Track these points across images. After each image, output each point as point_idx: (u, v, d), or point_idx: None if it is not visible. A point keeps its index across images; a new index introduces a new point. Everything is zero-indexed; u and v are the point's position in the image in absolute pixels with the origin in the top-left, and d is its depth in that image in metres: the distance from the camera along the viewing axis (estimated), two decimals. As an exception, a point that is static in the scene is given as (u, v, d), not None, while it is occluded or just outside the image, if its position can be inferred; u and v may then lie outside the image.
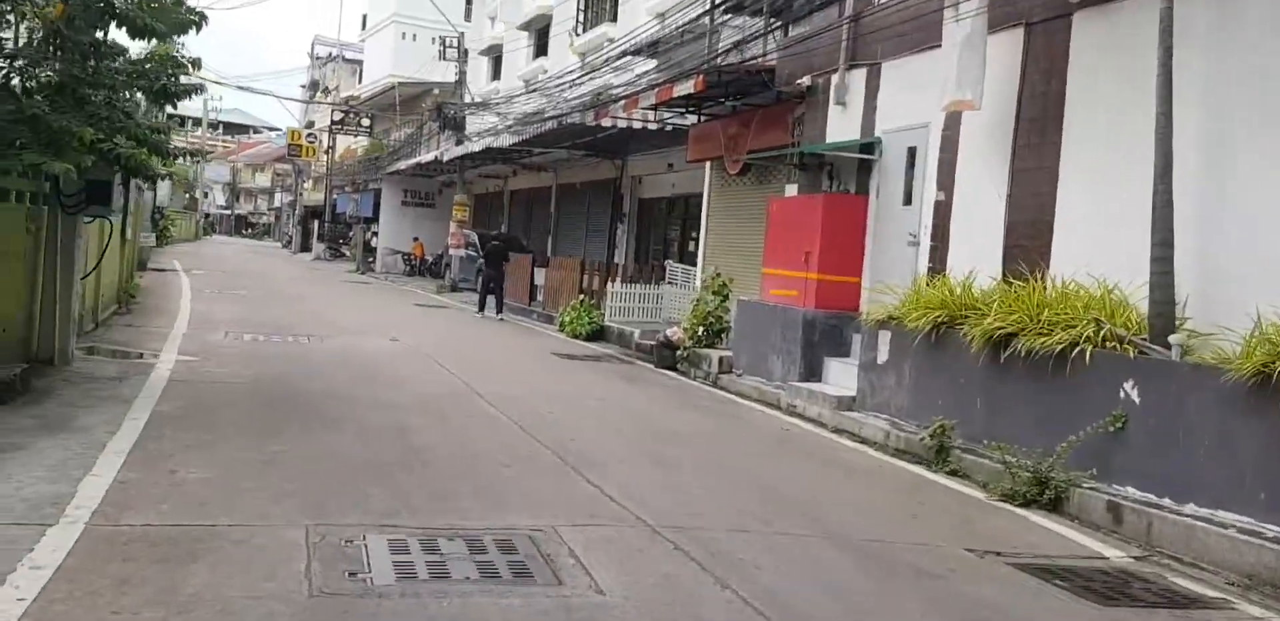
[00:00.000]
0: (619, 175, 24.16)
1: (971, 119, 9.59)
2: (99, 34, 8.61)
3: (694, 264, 19.23)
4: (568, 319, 17.16)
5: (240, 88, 62.28)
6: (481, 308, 21.07)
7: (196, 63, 9.46)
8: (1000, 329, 7.93)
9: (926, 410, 8.78)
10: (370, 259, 38.22)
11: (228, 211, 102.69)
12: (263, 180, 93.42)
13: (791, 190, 12.99)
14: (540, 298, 21.46)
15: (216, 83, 34.89)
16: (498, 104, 24.04)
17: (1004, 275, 8.95)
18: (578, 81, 20.25)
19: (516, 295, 22.26)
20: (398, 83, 38.09)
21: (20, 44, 8.55)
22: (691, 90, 13.04)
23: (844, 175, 11.56)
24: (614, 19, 25.14)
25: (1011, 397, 7.96)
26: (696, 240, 21.64)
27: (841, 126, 11.57)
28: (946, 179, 9.88)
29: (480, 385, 10.37)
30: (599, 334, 16.82)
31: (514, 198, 33.71)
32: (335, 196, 49.65)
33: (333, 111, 41.76)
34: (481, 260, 23.62)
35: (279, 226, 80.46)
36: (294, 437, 7.19)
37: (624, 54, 20.45)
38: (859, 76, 11.31)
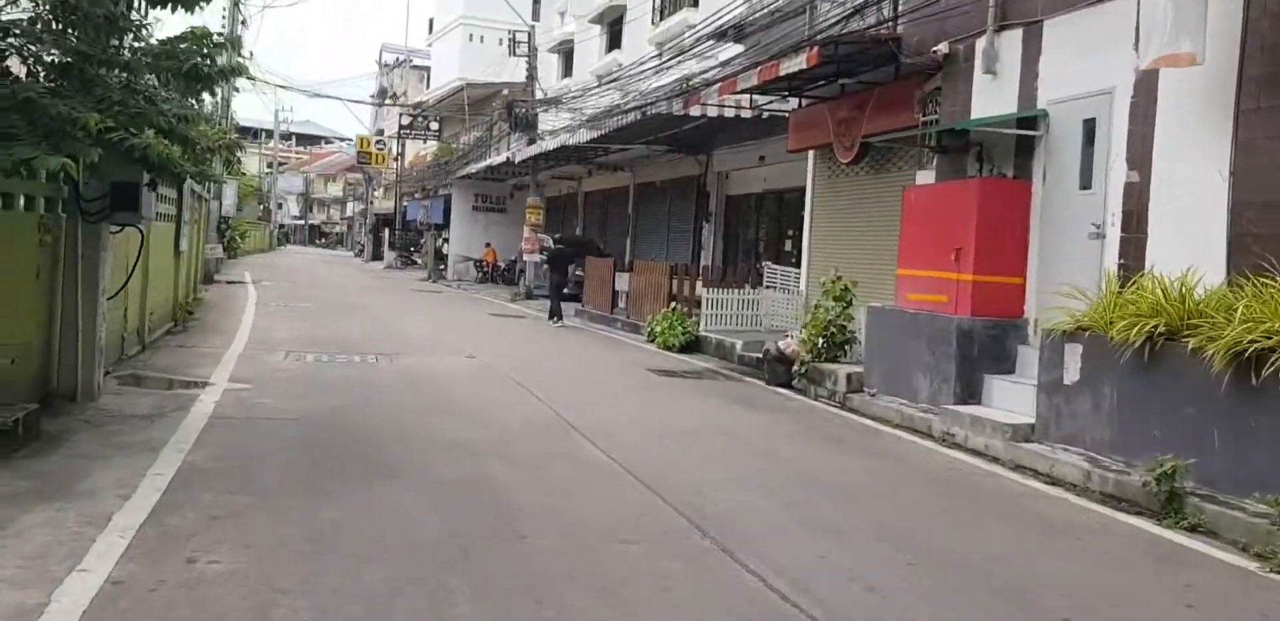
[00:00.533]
0: (703, 171, 22.47)
1: (1173, 81, 7.73)
2: (116, 6, 7.16)
3: (791, 264, 17.51)
4: (658, 329, 15.50)
5: (312, 95, 61.92)
6: (558, 316, 19.62)
7: (236, 42, 7.99)
8: (1253, 342, 6.09)
9: (1139, 444, 6.96)
10: (441, 266, 37.06)
11: (301, 222, 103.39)
12: (334, 190, 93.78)
13: (924, 177, 11.19)
14: (623, 305, 19.86)
15: (283, 87, 34.07)
16: (574, 98, 22.47)
17: (1230, 271, 7.10)
18: (663, 66, 18.62)
19: (597, 302, 20.71)
20: (466, 84, 36.84)
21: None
22: (803, 65, 11.30)
23: (997, 156, 9.72)
24: (694, 3, 23.45)
25: (1272, 431, 6.11)
26: (793, 239, 19.88)
27: (991, 99, 9.74)
28: (1140, 155, 8.02)
29: (574, 415, 8.76)
30: (694, 345, 15.15)
31: (588, 199, 32.22)
32: (405, 203, 48.78)
33: (400, 116, 40.70)
34: (546, 265, 22.25)
35: (351, 235, 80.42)
36: (352, 499, 5.63)
37: (709, 37, 18.80)
38: (1013, 39, 9.47)
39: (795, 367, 11.50)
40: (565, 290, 25.78)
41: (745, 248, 22.24)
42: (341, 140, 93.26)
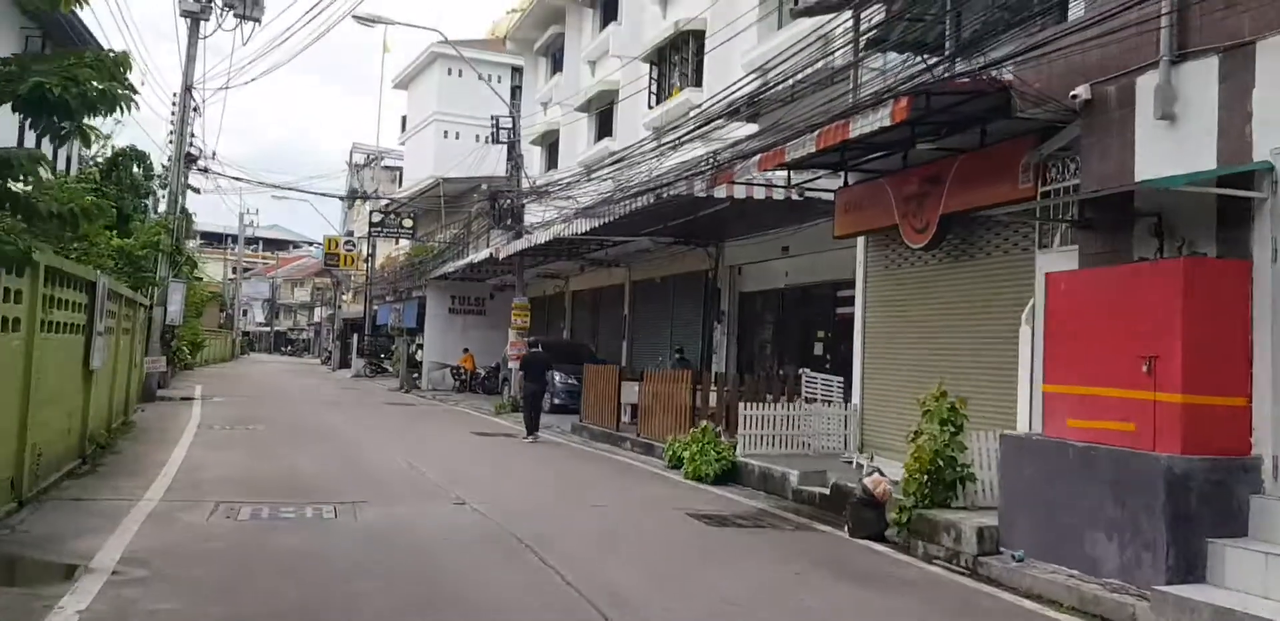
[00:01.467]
0: (714, 265, 20.02)
1: None
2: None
3: (824, 370, 14.89)
4: (686, 454, 12.64)
5: (274, 191, 59.85)
6: (530, 430, 17.06)
7: (124, 61, 5.37)
8: None
9: None
10: (415, 375, 34.13)
11: (267, 329, 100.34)
12: (302, 295, 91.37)
13: (1052, 262, 8.63)
14: (627, 418, 17.04)
15: (239, 180, 31.66)
16: (568, 185, 20.10)
17: None
18: (676, 143, 16.27)
19: (599, 417, 17.88)
20: (442, 179, 34.62)
21: None
22: (886, 122, 8.85)
23: (1186, 229, 7.17)
24: (698, 83, 21.39)
25: None
26: (825, 341, 17.30)
27: (1169, 153, 7.23)
28: None
29: (625, 614, 5.88)
30: (730, 474, 12.31)
31: (576, 299, 29.74)
32: (376, 307, 46.14)
33: (371, 213, 38.34)
34: (520, 373, 19.53)
35: (319, 342, 77.57)
36: None
37: (721, 116, 16.57)
38: (1202, 71, 7.02)
39: (894, 515, 8.69)
40: (557, 401, 23.05)
41: (762, 351, 19.62)
42: (310, 244, 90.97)
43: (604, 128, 27.49)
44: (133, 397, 17.63)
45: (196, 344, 43.26)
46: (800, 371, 14.63)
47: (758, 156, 11.66)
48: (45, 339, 9.10)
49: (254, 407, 21.55)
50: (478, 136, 45.17)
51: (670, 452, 13.53)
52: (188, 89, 22.35)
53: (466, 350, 32.87)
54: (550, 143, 32.16)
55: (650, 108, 23.47)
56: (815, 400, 13.92)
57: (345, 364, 48.99)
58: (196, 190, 45.76)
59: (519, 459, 14.73)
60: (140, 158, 34.22)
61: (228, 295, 71.80)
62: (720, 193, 13.84)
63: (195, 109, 22.70)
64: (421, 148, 49.72)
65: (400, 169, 55.97)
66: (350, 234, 54.21)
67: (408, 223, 37.02)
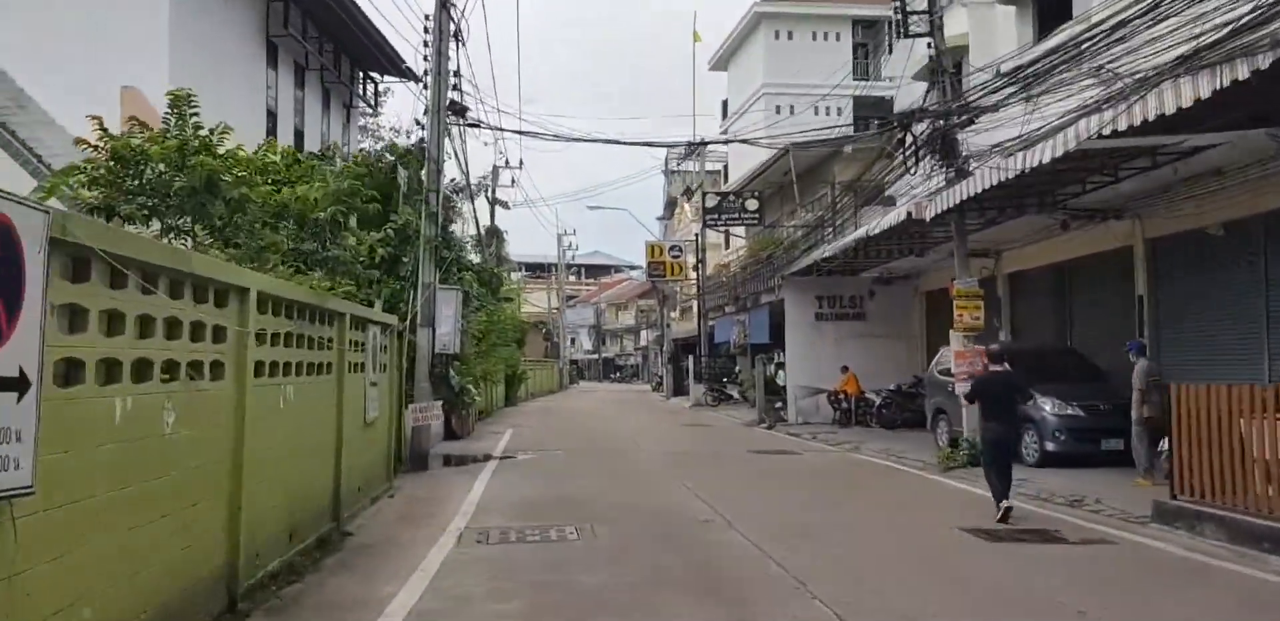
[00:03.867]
0: None
1: None
2: None
3: None
4: None
5: (586, 201, 54.29)
6: (999, 497, 9.73)
7: None
8: None
9: None
10: (778, 404, 25.72)
11: (595, 356, 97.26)
12: (626, 319, 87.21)
13: None
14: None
15: (521, 133, 24.92)
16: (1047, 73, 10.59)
17: None
18: None
19: (1230, 489, 8.33)
20: (791, 145, 26.11)
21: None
22: None
23: None
24: None
25: None
26: None
27: None
28: None
29: None
30: None
31: (1015, 284, 20.04)
32: (711, 323, 38.43)
33: (705, 197, 30.45)
34: (970, 401, 10.80)
35: (646, 367, 72.07)
36: None
37: None
38: None
39: None
40: (1050, 447, 13.87)
41: None
42: (630, 267, 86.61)
43: (1049, 17, 17.91)
44: (361, 486, 10.18)
45: (516, 376, 37.42)
46: None
47: None
48: None
49: (569, 476, 13.76)
50: (816, 108, 36.63)
51: None
52: (443, 5, 15.18)
53: (846, 368, 24.11)
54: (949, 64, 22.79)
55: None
56: None
57: (679, 390, 41.87)
58: (505, 205, 40.24)
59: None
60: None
61: (552, 324, 67.76)
62: None
63: (455, 35, 15.49)
64: (750, 129, 41.82)
65: (723, 169, 48.42)
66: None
67: (751, 204, 28.65)
